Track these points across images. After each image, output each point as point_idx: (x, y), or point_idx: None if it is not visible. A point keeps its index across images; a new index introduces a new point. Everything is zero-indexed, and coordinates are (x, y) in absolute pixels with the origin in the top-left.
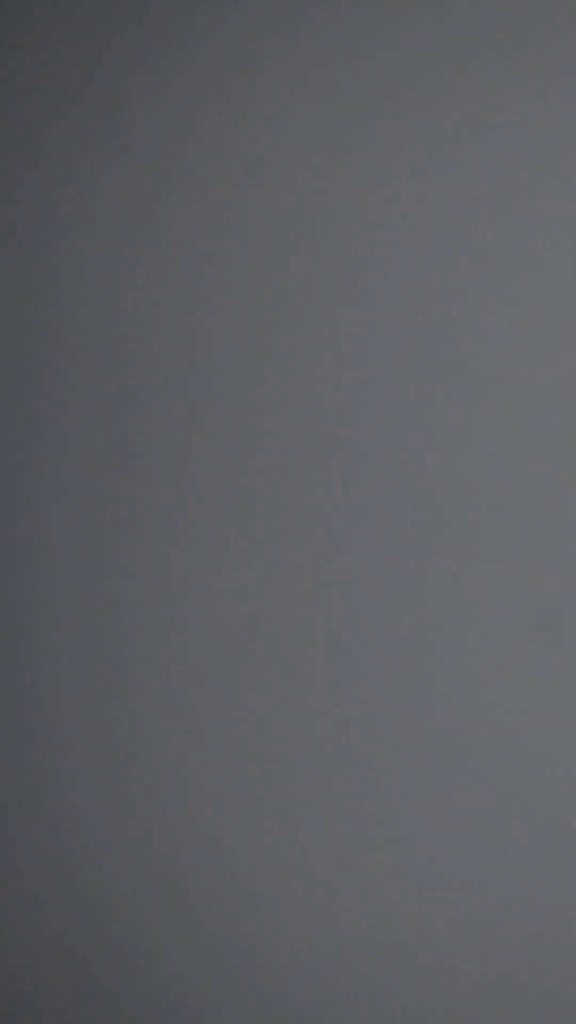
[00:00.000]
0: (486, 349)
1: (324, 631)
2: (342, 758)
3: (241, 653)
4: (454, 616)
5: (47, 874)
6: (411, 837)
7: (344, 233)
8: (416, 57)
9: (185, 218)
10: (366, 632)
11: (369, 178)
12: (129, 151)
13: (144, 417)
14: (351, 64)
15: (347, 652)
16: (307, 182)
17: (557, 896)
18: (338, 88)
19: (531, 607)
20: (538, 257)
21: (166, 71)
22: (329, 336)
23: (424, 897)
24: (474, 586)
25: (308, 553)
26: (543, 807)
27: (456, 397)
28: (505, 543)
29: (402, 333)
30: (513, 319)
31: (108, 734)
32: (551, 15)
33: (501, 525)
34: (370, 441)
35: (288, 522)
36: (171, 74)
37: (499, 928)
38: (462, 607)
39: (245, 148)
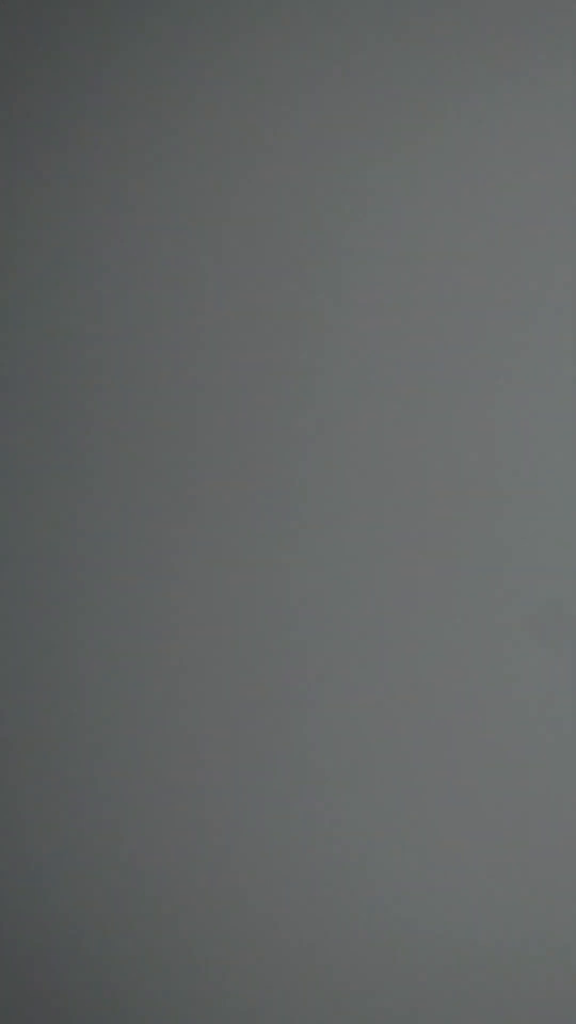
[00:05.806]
0: (486, 348)
1: (324, 630)
2: (339, 758)
3: (241, 651)
4: (454, 614)
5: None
6: (409, 837)
7: (346, 245)
8: (417, 75)
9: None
10: (365, 631)
11: (373, 184)
12: (128, 158)
13: (146, 416)
14: (354, 83)
15: (346, 651)
16: (309, 189)
17: (552, 908)
18: (342, 104)
19: (531, 607)
20: (540, 266)
21: (167, 82)
22: (329, 340)
23: (423, 899)
24: (473, 585)
25: (307, 553)
26: (543, 807)
27: (457, 393)
28: (504, 542)
29: (402, 335)
30: (512, 326)
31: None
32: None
33: (500, 524)
34: (370, 439)
35: (287, 522)
36: (172, 87)
37: (498, 928)
38: (461, 606)
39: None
